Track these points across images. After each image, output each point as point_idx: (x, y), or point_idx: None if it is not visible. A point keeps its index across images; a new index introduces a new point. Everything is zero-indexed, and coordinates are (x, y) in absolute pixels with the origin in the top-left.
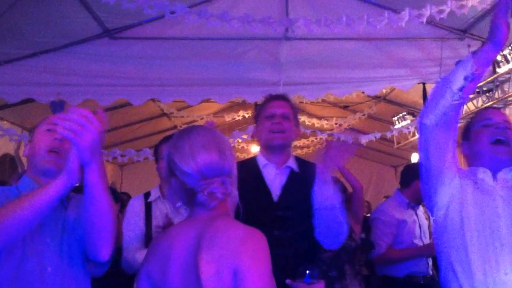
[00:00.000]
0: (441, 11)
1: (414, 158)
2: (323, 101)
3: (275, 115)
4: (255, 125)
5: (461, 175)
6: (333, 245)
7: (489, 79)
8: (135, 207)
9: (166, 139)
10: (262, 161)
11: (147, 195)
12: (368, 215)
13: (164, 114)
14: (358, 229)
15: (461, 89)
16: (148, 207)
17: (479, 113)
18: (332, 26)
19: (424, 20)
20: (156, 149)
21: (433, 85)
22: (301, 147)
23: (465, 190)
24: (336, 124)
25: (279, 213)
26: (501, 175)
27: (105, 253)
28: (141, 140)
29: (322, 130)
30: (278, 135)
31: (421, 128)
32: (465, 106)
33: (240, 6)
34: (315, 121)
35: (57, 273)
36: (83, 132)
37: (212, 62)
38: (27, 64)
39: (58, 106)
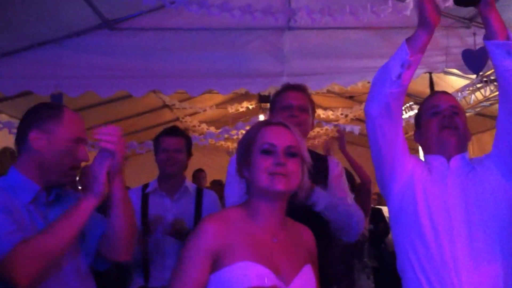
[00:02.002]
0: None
1: None
2: (328, 91)
3: (292, 106)
4: (267, 114)
5: (414, 163)
6: (349, 238)
7: None
8: (132, 198)
9: (165, 131)
10: None
11: (145, 186)
12: (378, 207)
13: (166, 106)
14: (365, 222)
15: (399, 76)
16: (145, 198)
17: (427, 100)
18: (335, 15)
19: None
20: (156, 141)
21: (440, 74)
22: (308, 138)
23: (418, 178)
24: (341, 114)
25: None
26: (453, 162)
27: (127, 254)
28: (143, 132)
29: (327, 121)
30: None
31: (367, 118)
32: (473, 96)
33: None
34: (320, 112)
35: (72, 268)
36: (119, 145)
37: (214, 53)
38: (25, 57)
39: (57, 99)
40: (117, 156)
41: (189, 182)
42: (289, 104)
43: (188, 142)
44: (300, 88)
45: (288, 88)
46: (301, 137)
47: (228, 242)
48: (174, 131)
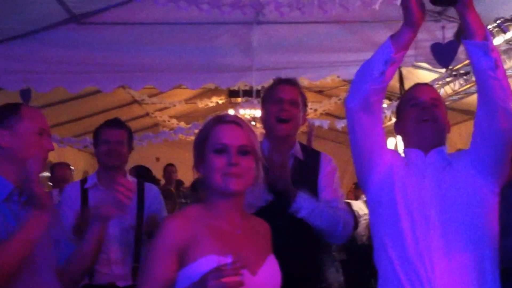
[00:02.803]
0: None
1: (390, 142)
2: None
3: (282, 101)
4: (236, 109)
5: (392, 157)
6: (335, 240)
7: (466, 62)
8: (70, 195)
9: (107, 122)
10: (266, 148)
11: (83, 181)
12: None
13: (135, 101)
14: None
15: (382, 73)
16: (84, 194)
17: (407, 92)
18: (304, 9)
19: (398, 2)
20: (97, 132)
21: (410, 68)
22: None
23: (396, 171)
24: (311, 109)
25: (280, 205)
26: (430, 156)
27: (75, 283)
28: None
29: None
30: (284, 126)
31: (346, 111)
32: (442, 90)
33: None
34: None
35: (45, 260)
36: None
37: (183, 47)
38: None
39: (26, 94)
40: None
41: (130, 177)
42: (280, 98)
43: (130, 135)
44: (291, 82)
45: (279, 82)
46: (254, 134)
47: (193, 238)
48: (117, 123)
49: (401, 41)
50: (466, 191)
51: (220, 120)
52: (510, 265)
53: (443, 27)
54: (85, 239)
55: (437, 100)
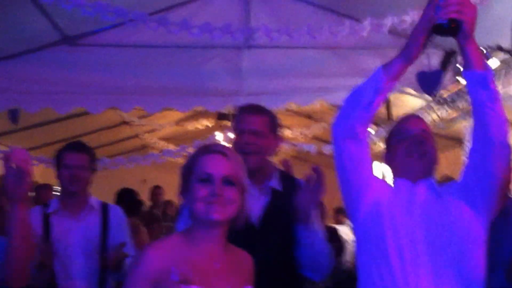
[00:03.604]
0: (403, 22)
1: (376, 167)
2: (287, 110)
3: (244, 131)
4: (225, 132)
5: (381, 186)
6: (316, 276)
7: (452, 90)
8: (32, 217)
9: (68, 146)
10: None
11: (44, 206)
12: (334, 226)
13: (124, 123)
14: None
15: (371, 102)
16: (46, 219)
17: (397, 124)
18: (293, 34)
19: (386, 30)
20: (58, 156)
21: (397, 94)
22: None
23: (384, 201)
24: (300, 133)
25: (258, 238)
26: (420, 186)
27: (22, 280)
28: (102, 149)
29: (285, 140)
30: (250, 158)
31: (333, 139)
32: (429, 116)
33: (201, 14)
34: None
35: None
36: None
37: (172, 70)
38: None
39: (14, 114)
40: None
41: (94, 198)
42: (241, 129)
43: (92, 158)
44: (254, 110)
45: (242, 111)
46: (240, 165)
47: (169, 268)
48: (78, 147)
49: (394, 72)
50: (456, 224)
51: (207, 150)
52: None
53: (428, 55)
54: (10, 226)
55: (427, 132)
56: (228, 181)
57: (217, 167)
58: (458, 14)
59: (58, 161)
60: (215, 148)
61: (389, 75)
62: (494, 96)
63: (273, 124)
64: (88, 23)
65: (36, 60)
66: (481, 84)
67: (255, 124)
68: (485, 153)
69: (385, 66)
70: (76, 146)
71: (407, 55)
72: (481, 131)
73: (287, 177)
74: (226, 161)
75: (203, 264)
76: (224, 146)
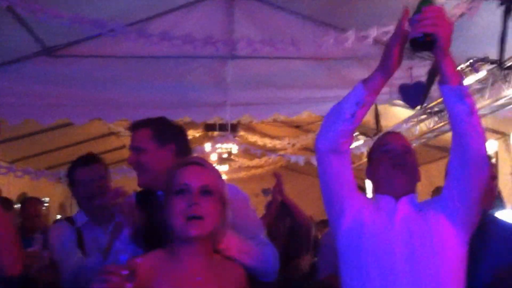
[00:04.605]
0: (386, 33)
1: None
2: (274, 120)
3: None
4: (213, 141)
5: (362, 201)
6: (267, 278)
7: (440, 100)
8: (66, 232)
9: (81, 161)
10: None
11: (70, 220)
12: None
13: (111, 133)
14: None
15: (353, 115)
16: (78, 233)
17: (378, 139)
18: (277, 45)
19: (370, 41)
20: (72, 172)
21: (385, 105)
22: (255, 167)
23: (366, 216)
24: (289, 144)
25: None
26: (401, 203)
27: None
28: None
29: (274, 150)
30: (138, 176)
31: (316, 152)
32: (418, 127)
33: (182, 24)
34: (267, 141)
35: None
36: None
37: (156, 81)
38: None
39: None
40: None
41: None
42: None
43: (105, 166)
44: (134, 126)
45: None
46: (217, 174)
47: (150, 282)
48: (91, 159)
49: (373, 85)
50: (436, 238)
51: (183, 162)
52: None
53: (410, 68)
54: None
55: (408, 148)
56: (206, 191)
57: (193, 177)
58: (433, 28)
59: (72, 178)
60: (191, 160)
61: (369, 89)
62: (470, 110)
63: (159, 134)
64: (68, 35)
65: (16, 72)
66: (457, 98)
67: (134, 140)
68: (464, 165)
69: (365, 80)
70: (88, 159)
71: (384, 68)
72: (459, 144)
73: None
74: (202, 171)
75: (185, 279)
76: (200, 158)
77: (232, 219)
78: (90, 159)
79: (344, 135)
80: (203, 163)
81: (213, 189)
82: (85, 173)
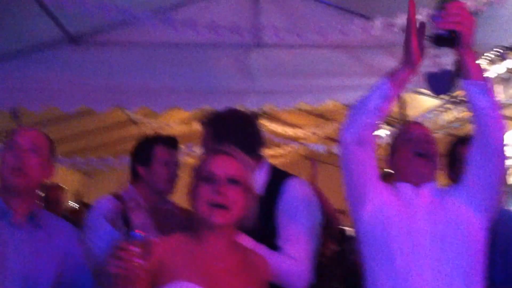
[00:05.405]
0: None
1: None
2: (297, 109)
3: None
4: None
5: (384, 190)
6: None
7: None
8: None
9: (167, 142)
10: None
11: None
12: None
13: (131, 121)
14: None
15: (378, 108)
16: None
17: (401, 128)
18: (303, 34)
19: (397, 29)
20: (149, 149)
21: (411, 94)
22: (276, 156)
23: (389, 205)
24: (310, 133)
25: None
26: (422, 190)
27: None
28: (107, 148)
29: (295, 139)
30: None
31: (341, 144)
32: (443, 116)
33: (207, 12)
34: (288, 129)
35: None
36: None
37: (179, 68)
38: None
39: (16, 113)
40: None
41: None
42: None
43: None
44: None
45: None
46: (247, 166)
47: (170, 263)
48: (176, 143)
49: (398, 78)
50: (457, 226)
51: (213, 150)
52: None
53: (436, 56)
54: None
55: (430, 137)
56: (232, 181)
57: (221, 166)
58: (457, 25)
59: (149, 154)
60: (221, 149)
61: (395, 82)
62: (492, 104)
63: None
64: (92, 22)
65: (39, 59)
66: (480, 93)
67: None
68: (484, 157)
69: (390, 74)
70: (174, 141)
71: (408, 62)
72: (480, 135)
73: (274, 179)
74: (231, 161)
75: (206, 264)
76: (231, 147)
77: (279, 216)
78: (176, 142)
79: (369, 127)
80: (232, 153)
81: (239, 179)
82: (172, 154)
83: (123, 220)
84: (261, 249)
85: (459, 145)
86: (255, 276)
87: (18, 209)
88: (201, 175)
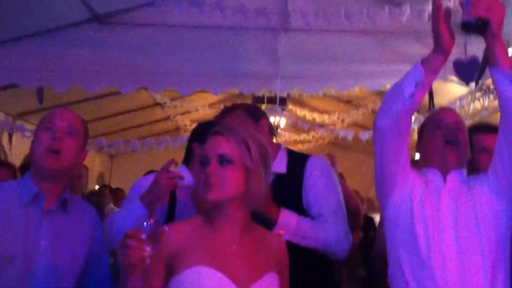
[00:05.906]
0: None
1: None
2: (325, 95)
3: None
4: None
5: (414, 176)
6: (336, 257)
7: None
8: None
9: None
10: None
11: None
12: (371, 216)
13: (157, 104)
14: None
15: (412, 95)
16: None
17: (432, 114)
18: (331, 19)
19: (426, 16)
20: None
21: (440, 82)
22: (302, 142)
23: (416, 191)
24: (338, 119)
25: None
26: (450, 178)
27: None
28: (133, 130)
29: (323, 125)
30: None
31: (375, 130)
32: (472, 105)
33: None
34: (316, 115)
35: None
36: None
37: (206, 52)
38: (10, 49)
39: (41, 92)
40: None
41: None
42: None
43: None
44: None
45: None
46: (241, 141)
47: (185, 248)
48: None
49: (432, 66)
50: (483, 215)
51: (210, 132)
52: None
53: (465, 43)
54: None
55: (461, 124)
56: (225, 160)
57: (213, 147)
58: (486, 12)
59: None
60: (215, 129)
61: (428, 69)
62: None
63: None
64: (119, 2)
65: (65, 39)
66: (508, 82)
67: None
68: (510, 144)
69: (424, 60)
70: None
71: (440, 48)
72: (507, 124)
73: (294, 158)
74: (223, 140)
75: (219, 245)
76: (226, 126)
77: (307, 189)
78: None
79: (404, 115)
80: (224, 132)
81: (231, 157)
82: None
83: (170, 197)
84: (303, 220)
85: (475, 132)
86: (271, 259)
87: (50, 194)
88: (199, 160)
